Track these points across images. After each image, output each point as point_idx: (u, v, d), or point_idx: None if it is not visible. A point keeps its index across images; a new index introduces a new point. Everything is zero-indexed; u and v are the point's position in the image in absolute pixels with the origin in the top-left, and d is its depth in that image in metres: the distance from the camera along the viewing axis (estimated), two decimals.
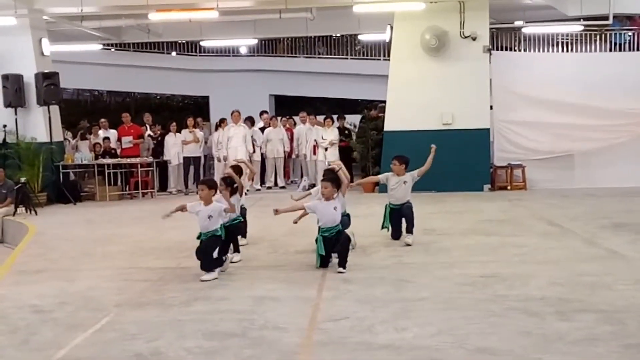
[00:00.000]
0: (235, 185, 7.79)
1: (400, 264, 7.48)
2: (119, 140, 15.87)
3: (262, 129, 16.53)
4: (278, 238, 9.13)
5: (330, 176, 7.40)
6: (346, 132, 16.03)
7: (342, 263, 7.04)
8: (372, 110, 15.91)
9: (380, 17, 15.46)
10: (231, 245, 7.78)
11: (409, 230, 8.54)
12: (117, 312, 5.84)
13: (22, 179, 12.89)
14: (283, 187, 16.22)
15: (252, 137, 15.75)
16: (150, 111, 19.36)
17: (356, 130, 16.14)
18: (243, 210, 8.33)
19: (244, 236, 8.59)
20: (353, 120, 17.21)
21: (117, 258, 8.27)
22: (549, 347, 4.61)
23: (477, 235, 8.99)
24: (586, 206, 11.66)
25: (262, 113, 17.64)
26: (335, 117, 16.46)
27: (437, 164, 13.52)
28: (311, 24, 17.07)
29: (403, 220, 8.62)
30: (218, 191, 7.40)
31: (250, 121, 16.24)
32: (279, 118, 17.35)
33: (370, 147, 14.69)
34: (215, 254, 7.01)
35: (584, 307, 5.49)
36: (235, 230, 7.79)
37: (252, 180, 15.80)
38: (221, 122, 16.11)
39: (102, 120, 16.98)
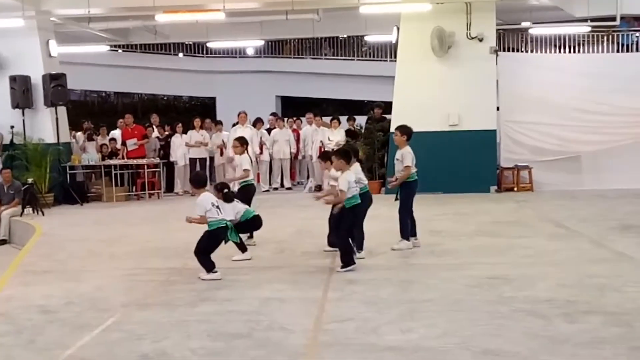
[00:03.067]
0: (225, 191, 7.87)
1: (406, 265, 7.47)
2: (124, 143, 15.87)
3: (268, 130, 16.52)
4: (284, 239, 9.13)
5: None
6: (355, 133, 15.99)
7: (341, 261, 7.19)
8: (376, 108, 15.90)
9: (386, 18, 15.43)
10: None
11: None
12: (123, 313, 5.85)
13: (30, 180, 12.93)
14: (289, 189, 16.22)
15: (261, 138, 15.78)
16: (157, 112, 19.40)
17: (362, 131, 16.10)
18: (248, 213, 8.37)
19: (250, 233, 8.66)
20: (359, 121, 17.19)
21: (123, 259, 8.29)
22: (556, 350, 4.59)
23: (484, 237, 8.96)
24: (594, 208, 11.60)
25: (272, 115, 17.64)
26: (345, 118, 16.45)
27: (443, 165, 13.77)
28: (318, 25, 17.06)
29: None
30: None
31: (261, 122, 16.24)
32: (285, 119, 17.35)
33: (376, 149, 14.66)
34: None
35: (592, 309, 5.47)
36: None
37: (260, 180, 15.93)
38: (215, 124, 16.32)
39: (121, 120, 16.97)
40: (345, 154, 7.45)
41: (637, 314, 5.31)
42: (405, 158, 8.14)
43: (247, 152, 9.04)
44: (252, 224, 8.32)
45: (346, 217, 7.18)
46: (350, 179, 7.19)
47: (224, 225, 7.03)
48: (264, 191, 15.46)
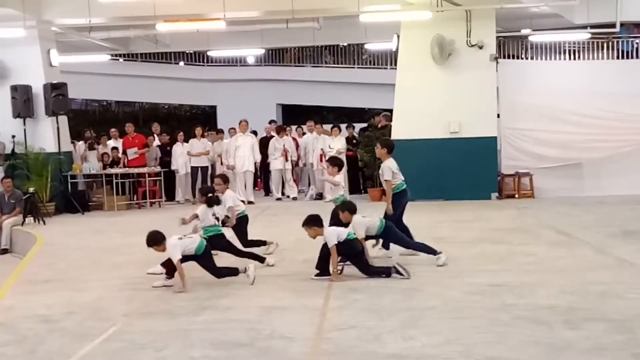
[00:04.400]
0: (210, 195, 7.87)
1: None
2: (124, 152, 15.90)
3: (268, 139, 16.51)
4: (285, 247, 9.10)
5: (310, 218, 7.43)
6: (354, 141, 16.01)
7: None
8: (376, 117, 15.92)
9: (386, 26, 15.47)
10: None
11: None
12: (124, 322, 5.85)
13: (31, 189, 12.94)
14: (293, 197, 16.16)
15: (284, 145, 15.69)
16: (158, 121, 19.43)
17: (359, 138, 16.09)
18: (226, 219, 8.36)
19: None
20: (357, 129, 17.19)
21: (125, 268, 8.28)
22: (558, 357, 4.59)
23: (485, 244, 8.94)
24: (595, 214, 11.59)
25: (271, 122, 17.67)
26: (344, 126, 16.45)
27: (444, 172, 13.78)
28: (318, 34, 17.12)
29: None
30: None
31: (283, 130, 16.23)
32: (289, 127, 17.32)
33: (376, 156, 14.65)
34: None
35: (593, 316, 5.46)
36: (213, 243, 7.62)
37: (260, 188, 15.88)
38: (217, 132, 16.49)
39: (113, 130, 17.14)
40: (316, 221, 7.25)
41: (638, 321, 5.29)
42: (384, 172, 8.17)
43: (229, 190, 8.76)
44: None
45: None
46: (339, 233, 7.15)
47: (204, 246, 7.10)
48: (293, 199, 15.55)
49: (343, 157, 14.98)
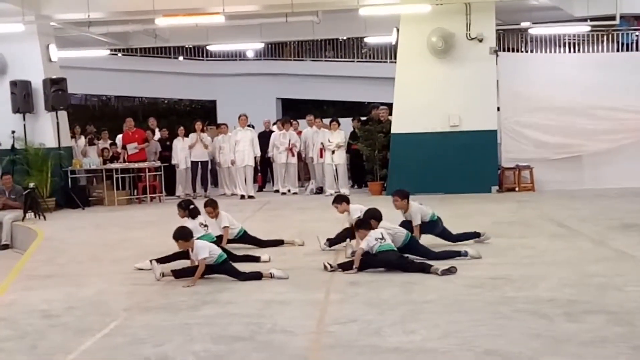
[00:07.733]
0: (192, 207, 8.06)
1: None
2: (124, 147, 15.89)
3: (268, 134, 16.49)
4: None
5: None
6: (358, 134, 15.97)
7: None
8: (374, 110, 15.92)
9: (386, 20, 15.45)
10: None
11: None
12: (125, 317, 5.85)
13: (31, 185, 12.91)
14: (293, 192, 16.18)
15: (289, 140, 15.69)
16: (158, 116, 19.41)
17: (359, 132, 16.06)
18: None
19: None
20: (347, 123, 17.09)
21: (125, 263, 8.27)
22: (558, 349, 4.59)
23: None
24: (595, 207, 11.60)
25: (278, 120, 17.63)
26: (344, 119, 16.43)
27: (444, 166, 13.79)
28: (317, 27, 17.08)
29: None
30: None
31: (289, 123, 16.22)
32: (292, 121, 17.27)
33: (377, 150, 14.66)
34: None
35: (593, 309, 5.46)
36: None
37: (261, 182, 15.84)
38: (217, 126, 16.33)
39: (104, 131, 17.08)
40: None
41: (638, 313, 5.30)
42: (415, 218, 8.19)
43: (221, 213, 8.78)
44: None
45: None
46: (370, 243, 7.14)
47: (225, 256, 7.15)
48: (293, 194, 15.57)
49: (343, 151, 15.06)
